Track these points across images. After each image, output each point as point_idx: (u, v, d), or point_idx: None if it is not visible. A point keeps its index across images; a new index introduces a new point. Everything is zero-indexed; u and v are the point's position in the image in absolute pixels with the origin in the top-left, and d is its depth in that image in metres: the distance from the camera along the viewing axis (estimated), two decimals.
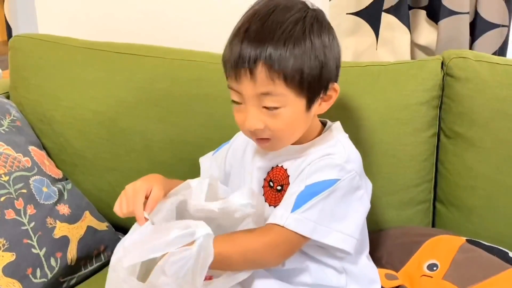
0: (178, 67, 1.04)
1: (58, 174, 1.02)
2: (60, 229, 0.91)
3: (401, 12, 1.07)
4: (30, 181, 0.92)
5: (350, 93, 0.91)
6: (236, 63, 0.69)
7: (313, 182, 0.71)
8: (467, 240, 0.82)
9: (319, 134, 0.78)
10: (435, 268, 0.78)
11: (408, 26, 1.07)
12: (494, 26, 1.05)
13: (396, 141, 0.91)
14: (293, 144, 0.76)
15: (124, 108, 1.05)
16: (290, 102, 0.70)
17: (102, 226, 1.01)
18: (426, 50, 1.13)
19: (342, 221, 0.71)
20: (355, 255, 0.75)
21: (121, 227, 1.06)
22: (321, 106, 0.74)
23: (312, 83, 0.70)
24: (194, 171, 1.01)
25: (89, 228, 0.97)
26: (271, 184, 0.78)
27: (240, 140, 0.87)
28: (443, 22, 1.04)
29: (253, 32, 0.69)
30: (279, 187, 0.77)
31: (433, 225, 0.96)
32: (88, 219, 0.98)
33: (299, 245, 0.71)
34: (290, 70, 0.68)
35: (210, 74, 1.02)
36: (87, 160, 1.07)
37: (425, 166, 0.93)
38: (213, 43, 1.10)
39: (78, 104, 1.08)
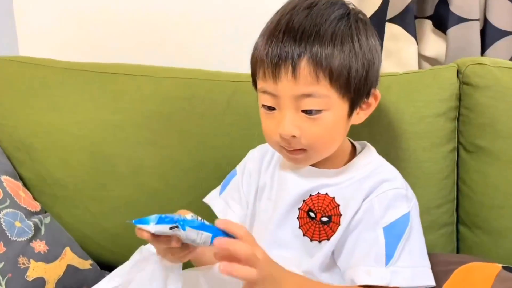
0: (169, 86, 0.96)
1: (35, 206, 0.92)
2: (35, 270, 0.80)
3: (406, 21, 1.00)
4: (1, 215, 0.81)
5: None
6: (276, 60, 0.61)
7: (390, 223, 0.63)
8: (504, 267, 0.72)
9: (351, 155, 0.71)
10: None
11: (415, 36, 1.00)
12: (506, 33, 0.98)
13: (413, 157, 0.82)
14: (326, 168, 0.68)
15: (109, 132, 0.96)
16: (333, 105, 0.63)
17: (85, 264, 0.90)
18: (434, 62, 1.05)
19: (425, 254, 0.65)
20: None
21: (107, 265, 0.94)
22: (359, 115, 0.67)
23: (358, 85, 0.63)
24: (187, 199, 0.92)
25: (70, 267, 0.86)
26: (312, 214, 0.68)
27: (251, 165, 0.78)
28: (452, 31, 0.97)
29: (297, 25, 0.62)
30: (324, 219, 0.67)
31: (457, 251, 0.86)
32: (69, 257, 0.87)
33: None
34: (337, 68, 0.61)
35: (204, 92, 0.94)
36: (69, 191, 0.97)
37: (446, 184, 0.83)
38: (208, 60, 1.04)
39: (58, 129, 0.99)
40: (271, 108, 0.65)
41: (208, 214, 0.84)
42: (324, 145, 0.65)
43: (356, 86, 0.63)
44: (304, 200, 0.69)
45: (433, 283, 0.63)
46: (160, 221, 0.54)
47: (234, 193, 0.79)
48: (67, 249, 0.88)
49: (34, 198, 0.97)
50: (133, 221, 0.56)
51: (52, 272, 0.82)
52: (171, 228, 0.54)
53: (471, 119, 0.83)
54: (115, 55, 1.08)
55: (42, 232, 0.87)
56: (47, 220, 0.90)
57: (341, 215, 0.66)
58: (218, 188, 0.83)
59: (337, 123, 0.64)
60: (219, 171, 0.87)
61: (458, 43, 0.98)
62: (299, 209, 0.69)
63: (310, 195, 0.69)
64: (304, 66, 0.61)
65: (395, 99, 0.84)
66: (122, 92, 0.98)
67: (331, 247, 0.66)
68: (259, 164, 0.78)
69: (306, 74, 0.61)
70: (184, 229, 0.54)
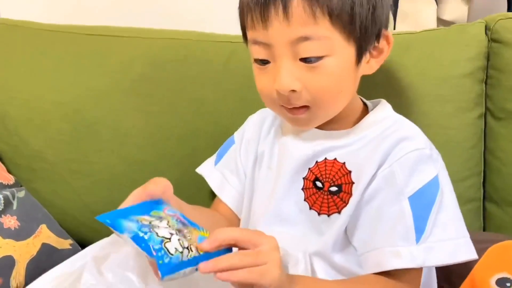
0: (160, 48, 0.87)
1: (8, 179, 0.82)
2: (2, 247, 0.70)
3: None
4: None
5: None
6: (263, 0, 0.52)
7: (416, 191, 0.53)
8: None
9: (362, 115, 0.61)
10: (508, 284, 0.58)
11: None
12: None
13: (435, 123, 0.73)
14: (333, 129, 0.59)
15: (93, 98, 0.86)
16: (337, 50, 0.53)
17: (64, 243, 0.80)
18: None
19: (462, 222, 0.55)
20: None
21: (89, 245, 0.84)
22: (369, 63, 0.57)
23: (364, 23, 0.53)
24: (179, 171, 0.82)
25: (45, 246, 0.76)
26: (319, 184, 0.58)
27: (250, 131, 0.69)
28: None
29: None
30: (334, 188, 0.57)
31: (483, 230, 0.76)
32: (45, 235, 0.77)
33: None
34: (337, 3, 0.51)
35: (198, 53, 0.85)
36: (48, 163, 0.87)
37: (473, 155, 0.74)
38: (203, 23, 0.94)
39: (36, 96, 0.88)
40: (264, 62, 0.55)
41: (201, 187, 0.75)
42: (330, 99, 0.55)
43: (362, 24, 0.53)
44: (309, 168, 0.60)
45: (475, 256, 0.53)
46: (136, 239, 0.44)
47: (231, 163, 0.69)
48: (43, 226, 0.78)
49: (9, 171, 0.87)
50: (100, 218, 0.47)
51: (23, 250, 0.72)
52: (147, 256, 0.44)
53: (500, 81, 0.73)
54: (100, 17, 0.98)
55: (14, 206, 0.77)
56: (21, 194, 0.80)
57: (353, 183, 0.56)
58: (213, 157, 0.74)
59: (344, 72, 0.54)
60: (215, 140, 0.78)
61: (483, 3, 0.89)
62: (304, 178, 0.60)
63: (316, 161, 0.59)
64: (297, 2, 0.51)
65: (415, 58, 0.74)
66: (107, 55, 0.88)
67: (344, 222, 0.56)
68: (258, 130, 0.68)
69: (300, 12, 0.51)
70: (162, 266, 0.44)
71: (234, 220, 0.67)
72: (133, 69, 0.85)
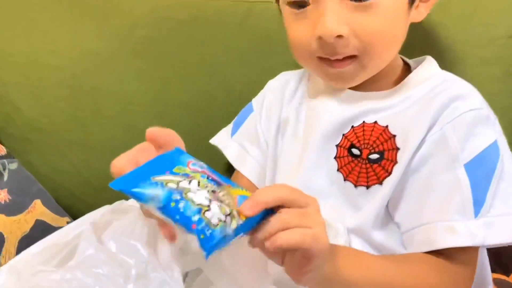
0: (167, 7, 0.79)
1: None
2: None
3: None
4: None
5: (410, 27, 0.64)
6: None
7: (473, 157, 0.46)
8: None
9: (403, 74, 0.53)
10: None
11: None
12: None
13: (480, 89, 0.64)
14: (371, 90, 0.51)
15: (93, 62, 0.79)
16: None
17: (60, 221, 0.73)
18: None
19: None
20: None
21: None
22: (418, 9, 0.50)
23: None
24: (187, 143, 0.74)
25: (39, 223, 0.69)
26: (355, 151, 0.51)
27: (271, 96, 0.61)
28: None
29: None
30: (374, 156, 0.49)
31: None
32: (39, 211, 0.70)
33: None
34: None
35: (210, 13, 0.77)
36: (43, 133, 0.79)
37: None
38: None
39: (32, 60, 0.81)
40: (301, 4, 0.47)
41: (215, 161, 0.67)
42: (383, 46, 0.47)
43: None
44: (343, 134, 0.52)
45: None
46: (166, 211, 0.35)
47: (251, 132, 0.62)
48: (37, 201, 0.71)
49: (1, 142, 0.79)
50: (114, 184, 0.38)
51: (15, 227, 0.64)
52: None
53: None
54: None
55: (5, 178, 0.69)
56: (13, 166, 0.73)
57: (398, 149, 0.49)
58: (229, 127, 0.66)
59: (398, 14, 0.47)
60: (228, 109, 0.71)
61: None
62: (337, 146, 0.52)
63: (352, 126, 0.52)
64: None
65: (457, 16, 0.66)
66: (109, 15, 0.80)
67: (386, 194, 0.48)
68: (280, 94, 0.61)
69: None
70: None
71: None
72: (137, 31, 0.78)
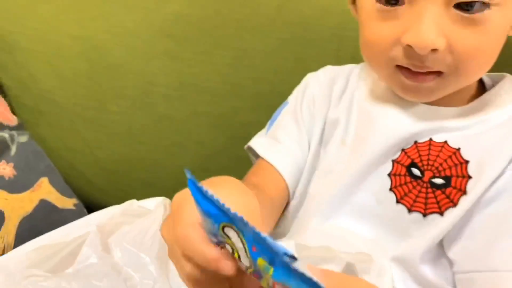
0: None
1: (10, 120, 0.70)
2: None
3: None
4: None
5: None
6: None
7: None
8: None
9: (478, 91, 0.47)
10: None
11: None
12: None
13: None
14: (443, 105, 0.45)
15: (117, 37, 0.73)
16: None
17: (67, 203, 0.68)
18: None
19: None
20: None
21: (97, 209, 0.72)
22: None
23: None
24: (211, 133, 0.69)
25: (44, 203, 0.64)
26: (416, 172, 0.44)
27: (316, 90, 0.53)
28: None
29: None
30: (438, 180, 0.43)
31: None
32: (45, 190, 0.65)
33: None
34: None
35: None
36: (57, 106, 0.75)
37: None
38: None
39: (52, 27, 0.76)
40: (392, 2, 0.40)
41: (241, 154, 0.61)
42: (477, 66, 0.41)
43: None
44: (403, 149, 0.45)
45: None
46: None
47: (289, 125, 0.53)
48: (44, 180, 0.66)
49: (13, 112, 0.75)
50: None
51: (17, 205, 0.60)
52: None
53: None
54: None
55: (12, 152, 0.65)
56: (23, 138, 0.68)
57: (469, 177, 0.42)
58: (264, 129, 0.58)
59: (503, 32, 0.41)
60: (257, 100, 0.66)
61: None
62: (393, 161, 0.45)
63: (416, 142, 0.45)
64: None
65: None
66: None
67: (445, 227, 0.42)
68: (327, 91, 0.53)
69: None
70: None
71: (278, 202, 0.50)
72: (167, 6, 0.71)
